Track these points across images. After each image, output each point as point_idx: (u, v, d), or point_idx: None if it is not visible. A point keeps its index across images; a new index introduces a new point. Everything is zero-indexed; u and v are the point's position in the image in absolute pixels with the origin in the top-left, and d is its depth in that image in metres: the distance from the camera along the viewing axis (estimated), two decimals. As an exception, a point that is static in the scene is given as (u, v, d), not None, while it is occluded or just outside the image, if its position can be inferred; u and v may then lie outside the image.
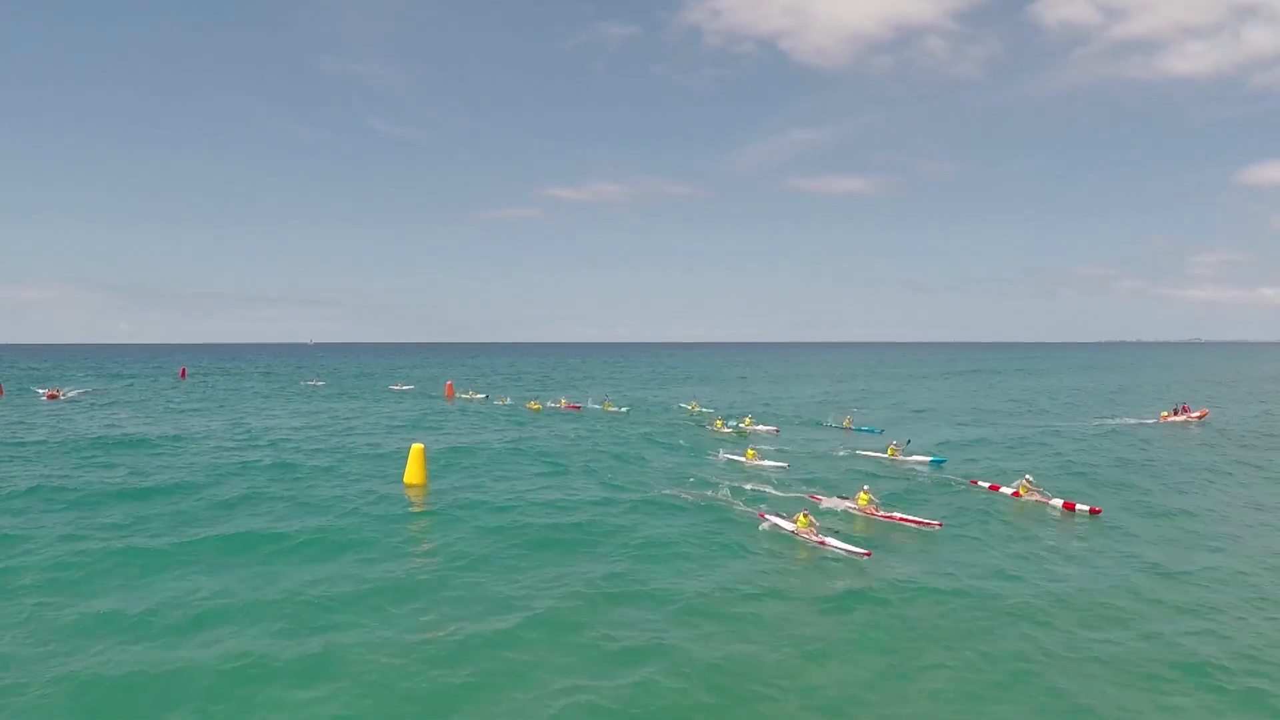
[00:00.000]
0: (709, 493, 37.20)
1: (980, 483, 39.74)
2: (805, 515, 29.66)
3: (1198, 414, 69.51)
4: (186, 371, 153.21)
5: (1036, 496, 36.25)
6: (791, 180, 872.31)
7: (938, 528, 30.77)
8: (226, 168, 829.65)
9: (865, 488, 34.68)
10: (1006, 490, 37.69)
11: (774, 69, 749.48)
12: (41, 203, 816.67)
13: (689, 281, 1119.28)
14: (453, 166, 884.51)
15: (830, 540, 28.24)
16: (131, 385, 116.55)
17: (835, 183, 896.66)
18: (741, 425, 62.56)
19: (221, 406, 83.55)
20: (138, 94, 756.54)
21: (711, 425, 62.64)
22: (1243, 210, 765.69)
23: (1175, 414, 69.49)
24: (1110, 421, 69.17)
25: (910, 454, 47.15)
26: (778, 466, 44.98)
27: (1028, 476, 38.15)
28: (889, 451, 47.86)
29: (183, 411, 77.17)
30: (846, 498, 34.79)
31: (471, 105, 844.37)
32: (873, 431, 62.48)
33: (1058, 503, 35.53)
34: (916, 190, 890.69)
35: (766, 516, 31.91)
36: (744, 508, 34.13)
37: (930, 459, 46.17)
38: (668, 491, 37.57)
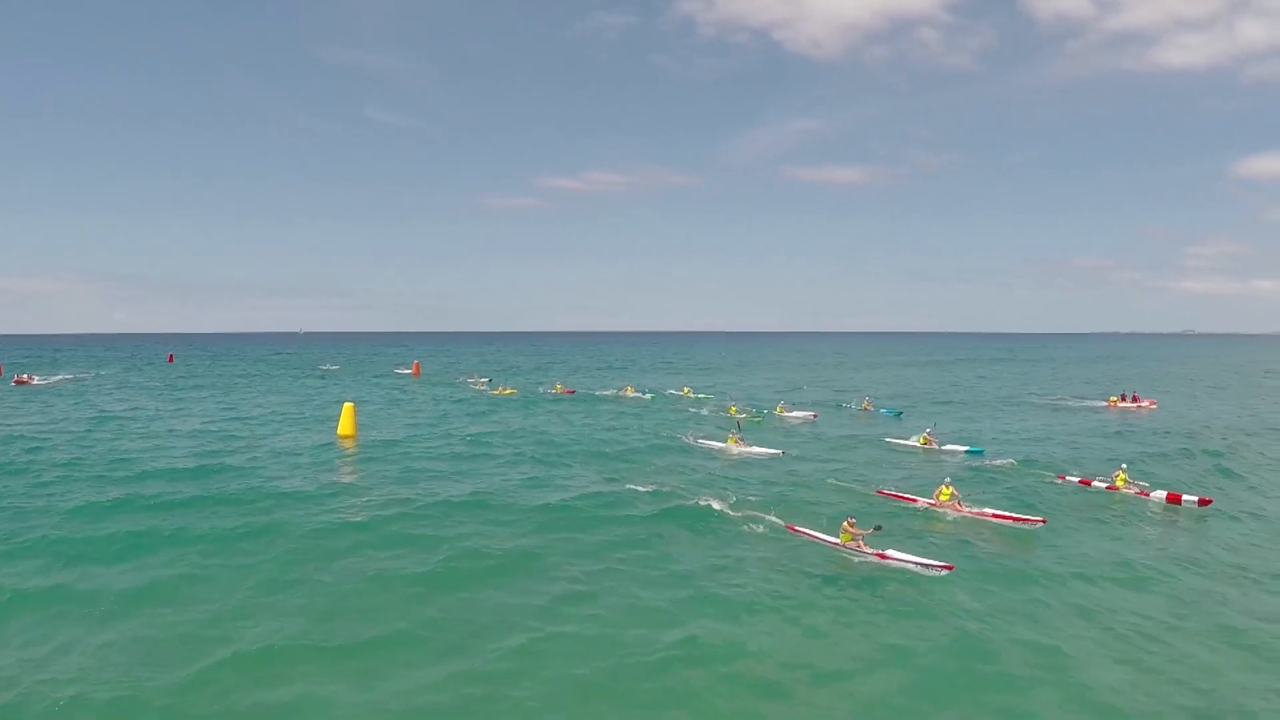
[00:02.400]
0: (673, 481, 34.43)
1: (1069, 477, 36.30)
2: (851, 525, 24.88)
3: (1147, 402, 72.13)
4: (174, 357, 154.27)
5: (1135, 489, 33.55)
6: (790, 170, 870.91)
7: (1040, 524, 27.36)
8: (224, 159, 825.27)
9: (947, 480, 31.14)
10: (1100, 484, 34.76)
11: (769, 59, 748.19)
12: (37, 195, 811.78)
13: (687, 271, 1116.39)
14: (451, 156, 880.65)
15: (892, 553, 23.64)
16: (114, 371, 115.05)
17: (834, 173, 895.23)
18: (773, 411, 60.12)
19: (198, 388, 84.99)
20: (139, 87, 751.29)
21: (725, 413, 59.57)
22: (1238, 202, 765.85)
23: (1124, 400, 72.81)
24: (1067, 403, 74.76)
25: (945, 443, 44.09)
26: (770, 454, 41.33)
27: (1123, 466, 35.42)
28: (922, 440, 44.57)
29: (153, 391, 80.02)
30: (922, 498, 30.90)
31: (469, 95, 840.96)
32: (892, 414, 60.22)
33: (1160, 495, 32.88)
34: (915, 181, 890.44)
35: (799, 530, 26.72)
36: (715, 504, 30.36)
37: (968, 448, 43.12)
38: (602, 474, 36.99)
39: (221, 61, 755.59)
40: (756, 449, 41.76)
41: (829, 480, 35.58)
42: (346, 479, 35.36)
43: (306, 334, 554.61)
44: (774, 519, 28.21)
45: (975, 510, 29.01)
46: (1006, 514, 28.58)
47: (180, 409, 63.62)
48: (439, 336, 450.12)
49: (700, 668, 16.88)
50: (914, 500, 31.27)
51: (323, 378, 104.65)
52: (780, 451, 41.32)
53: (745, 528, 27.74)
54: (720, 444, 43.58)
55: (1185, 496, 32.47)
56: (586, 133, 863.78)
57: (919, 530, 27.59)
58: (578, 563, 23.41)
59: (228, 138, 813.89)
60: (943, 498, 30.02)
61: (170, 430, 50.26)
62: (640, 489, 32.96)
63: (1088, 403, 74.65)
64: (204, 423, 54.25)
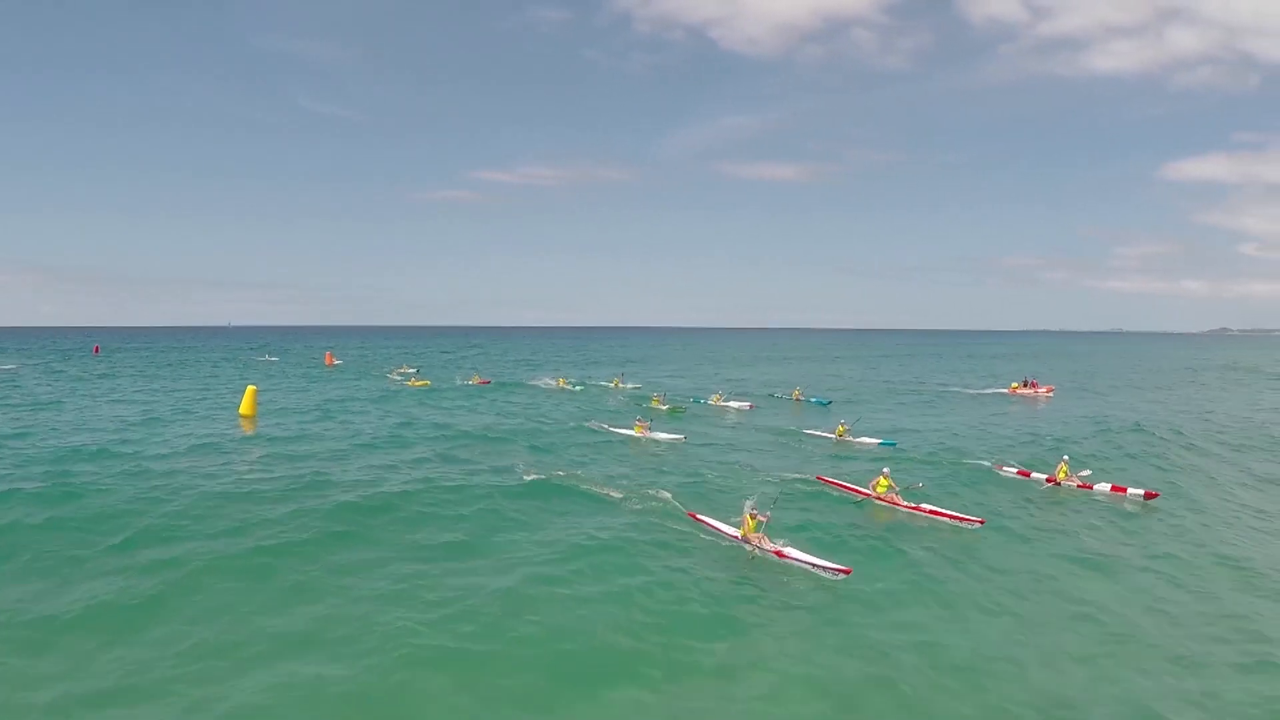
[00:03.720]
0: (572, 470, 34.61)
1: (1006, 468, 36.07)
2: (753, 515, 23.74)
3: (1044, 388, 77.20)
4: (99, 349, 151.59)
5: (1077, 482, 33.42)
6: (724, 166, 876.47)
7: (979, 525, 26.38)
8: (155, 150, 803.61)
9: (885, 471, 30.04)
10: (1040, 475, 34.50)
11: (704, 56, 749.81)
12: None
13: (622, 266, 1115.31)
14: (384, 147, 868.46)
15: (790, 551, 22.63)
16: (38, 363, 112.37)
17: (768, 169, 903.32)
18: (709, 401, 61.78)
19: (118, 377, 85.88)
20: (65, 76, 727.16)
21: (647, 403, 60.27)
22: (1166, 205, 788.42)
23: (1024, 386, 77.84)
24: (972, 390, 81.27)
25: (859, 434, 45.13)
26: (673, 439, 42.67)
27: (1065, 458, 35.04)
28: (838, 431, 45.63)
29: (66, 380, 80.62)
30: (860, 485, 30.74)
31: (402, 86, 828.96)
32: (821, 403, 61.65)
33: (1105, 486, 32.82)
34: (849, 179, 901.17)
35: (699, 518, 26.29)
36: (596, 487, 30.70)
37: (880, 440, 44.19)
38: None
39: (153, 50, 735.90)
40: (660, 435, 43.10)
41: (732, 465, 36.72)
42: (217, 457, 37.02)
43: (234, 327, 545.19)
44: (671, 502, 28.36)
45: (912, 505, 28.29)
46: (945, 512, 27.63)
47: (89, 396, 65.23)
48: (371, 330, 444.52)
49: (544, 647, 16.98)
50: (853, 489, 30.68)
51: (244, 366, 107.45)
52: (683, 437, 42.72)
53: (628, 509, 27.76)
54: (628, 431, 44.45)
55: (1130, 489, 32.25)
56: (520, 126, 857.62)
57: (852, 522, 27.07)
58: (411, 547, 23.46)
59: (159, 129, 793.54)
60: (880, 489, 29.43)
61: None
62: (523, 471, 33.68)
63: (991, 390, 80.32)
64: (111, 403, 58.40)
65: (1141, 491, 31.92)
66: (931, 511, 27.66)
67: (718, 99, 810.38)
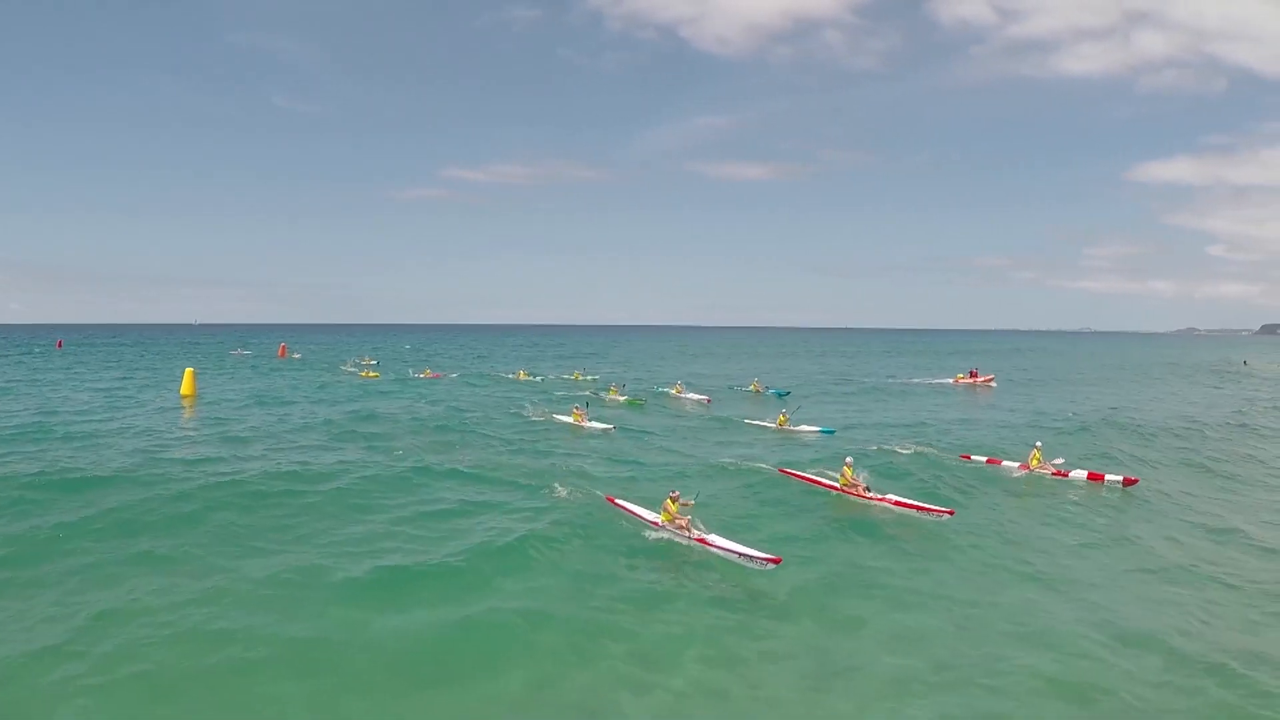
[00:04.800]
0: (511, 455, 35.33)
1: (975, 456, 35.46)
2: (675, 500, 22.99)
3: (985, 378, 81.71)
4: (63, 344, 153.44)
5: (1051, 469, 32.70)
6: (695, 165, 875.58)
7: (948, 515, 25.41)
8: (126, 147, 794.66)
9: (849, 461, 28.91)
10: (1011, 463, 33.99)
11: (676, 56, 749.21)
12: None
13: (593, 265, 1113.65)
14: (354, 144, 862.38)
15: (717, 540, 21.53)
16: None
17: (739, 169, 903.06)
18: (670, 392, 63.00)
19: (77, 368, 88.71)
20: (38, 71, 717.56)
21: (605, 393, 61.23)
22: (1134, 206, 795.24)
23: (968, 377, 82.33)
24: (917, 379, 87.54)
25: (799, 423, 46.27)
26: (604, 428, 43.79)
27: (1038, 444, 34.48)
28: (779, 421, 46.77)
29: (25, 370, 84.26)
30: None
31: (373, 83, 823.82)
32: (779, 394, 63.07)
33: (1081, 474, 32.06)
34: (820, 178, 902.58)
35: (618, 503, 25.48)
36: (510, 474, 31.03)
37: (820, 428, 45.33)
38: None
39: (124, 47, 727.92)
40: (593, 424, 44.04)
41: (666, 453, 37.70)
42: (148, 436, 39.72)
43: (200, 325, 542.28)
44: (587, 488, 28.16)
45: (877, 496, 27.06)
46: (912, 502, 26.51)
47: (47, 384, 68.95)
48: (339, 328, 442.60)
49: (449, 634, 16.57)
50: (816, 481, 29.49)
51: (204, 358, 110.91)
52: (612, 427, 43.81)
53: (542, 495, 27.50)
54: (566, 418, 45.55)
55: (1109, 476, 31.65)
56: (492, 124, 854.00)
57: (811, 512, 26.40)
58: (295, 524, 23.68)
59: (131, 125, 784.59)
60: (843, 481, 28.35)
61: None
62: (407, 454, 34.68)
63: (938, 380, 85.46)
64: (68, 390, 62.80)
65: (1120, 478, 31.53)
66: (897, 503, 26.49)
67: (690, 98, 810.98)
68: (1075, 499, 29.76)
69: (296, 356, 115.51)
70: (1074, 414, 54.21)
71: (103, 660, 14.92)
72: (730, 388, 71.51)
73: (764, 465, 33.62)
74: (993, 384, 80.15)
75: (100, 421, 44.64)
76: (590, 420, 45.32)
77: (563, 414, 47.18)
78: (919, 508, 26.08)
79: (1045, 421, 49.30)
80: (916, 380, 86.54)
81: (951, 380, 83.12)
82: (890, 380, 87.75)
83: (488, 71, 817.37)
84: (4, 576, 18.61)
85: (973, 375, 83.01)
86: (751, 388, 69.08)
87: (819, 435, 43.89)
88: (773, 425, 46.34)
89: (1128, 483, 31.17)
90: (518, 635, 16.51)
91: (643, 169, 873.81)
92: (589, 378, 77.99)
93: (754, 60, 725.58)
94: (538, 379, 77.60)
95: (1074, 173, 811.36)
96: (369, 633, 16.46)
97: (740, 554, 20.75)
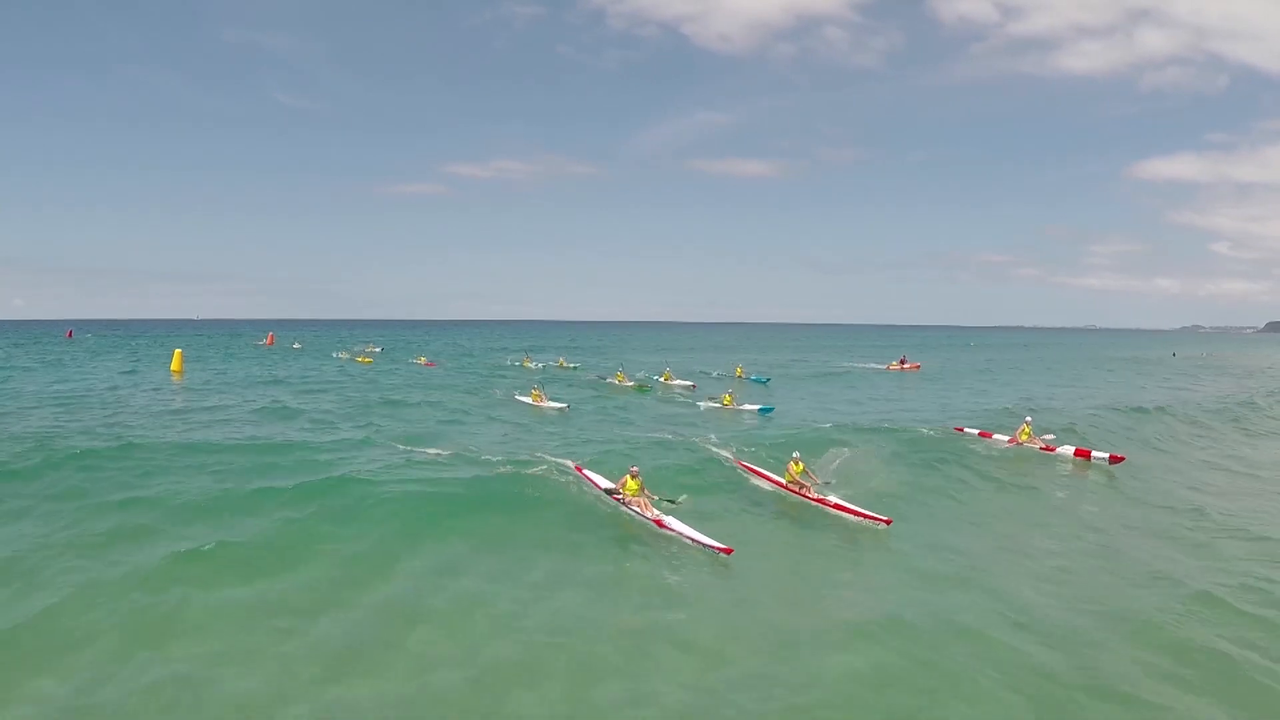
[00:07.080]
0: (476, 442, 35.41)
1: (968, 429, 36.27)
2: (634, 476, 22.96)
3: (911, 365, 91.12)
4: (73, 333, 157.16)
5: (1040, 444, 33.01)
6: (695, 162, 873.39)
7: (886, 525, 23.56)
8: (128, 144, 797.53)
9: (796, 455, 26.97)
10: (1001, 437, 34.53)
11: (677, 53, 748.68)
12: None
13: (594, 260, 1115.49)
14: (354, 140, 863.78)
15: (672, 523, 21.50)
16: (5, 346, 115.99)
17: (739, 165, 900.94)
18: (661, 379, 65.26)
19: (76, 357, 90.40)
20: (40, 69, 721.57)
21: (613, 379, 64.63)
22: (1137, 204, 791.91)
23: (900, 364, 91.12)
24: (859, 365, 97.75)
25: (742, 403, 49.16)
26: (558, 407, 46.46)
27: (1028, 419, 34.91)
28: (725, 400, 49.73)
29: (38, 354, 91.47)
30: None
31: (374, 79, 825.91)
32: (760, 380, 65.68)
33: (1068, 450, 32.56)
34: (820, 175, 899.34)
35: (584, 472, 26.06)
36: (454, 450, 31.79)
37: (759, 407, 48.21)
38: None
39: (121, 43, 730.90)
40: (549, 404, 46.84)
41: (620, 431, 40.33)
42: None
43: (201, 320, 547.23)
44: (548, 460, 28.84)
45: (818, 498, 25.64)
46: (850, 508, 24.88)
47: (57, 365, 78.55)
48: (338, 323, 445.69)
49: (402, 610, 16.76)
50: (766, 476, 28.32)
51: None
52: (566, 406, 46.67)
53: (493, 465, 28.21)
54: (526, 400, 48.44)
55: (1095, 453, 32.05)
56: (492, 120, 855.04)
57: (758, 505, 25.99)
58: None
59: (132, 122, 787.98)
60: (791, 475, 26.77)
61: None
62: (358, 432, 36.85)
63: (872, 365, 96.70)
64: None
65: (1106, 455, 31.88)
66: (837, 506, 25.14)
67: (691, 95, 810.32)
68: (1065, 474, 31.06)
69: (296, 346, 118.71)
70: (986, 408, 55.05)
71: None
72: (709, 375, 74.33)
73: (699, 440, 34.87)
74: (918, 369, 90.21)
75: (89, 386, 55.84)
76: (546, 400, 48.19)
77: (523, 395, 50.13)
78: (857, 513, 24.57)
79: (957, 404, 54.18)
80: (861, 366, 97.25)
81: (885, 366, 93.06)
82: (845, 367, 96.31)
83: (488, 68, 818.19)
84: None
85: (901, 362, 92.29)
86: (735, 373, 71.95)
87: (759, 414, 46.80)
88: (718, 405, 49.28)
89: (1114, 460, 31.42)
90: (445, 613, 16.62)
91: (643, 165, 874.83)
92: (571, 367, 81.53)
93: (755, 57, 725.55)
94: (538, 366, 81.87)
95: (1076, 170, 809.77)
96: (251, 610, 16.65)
97: (694, 540, 20.83)
